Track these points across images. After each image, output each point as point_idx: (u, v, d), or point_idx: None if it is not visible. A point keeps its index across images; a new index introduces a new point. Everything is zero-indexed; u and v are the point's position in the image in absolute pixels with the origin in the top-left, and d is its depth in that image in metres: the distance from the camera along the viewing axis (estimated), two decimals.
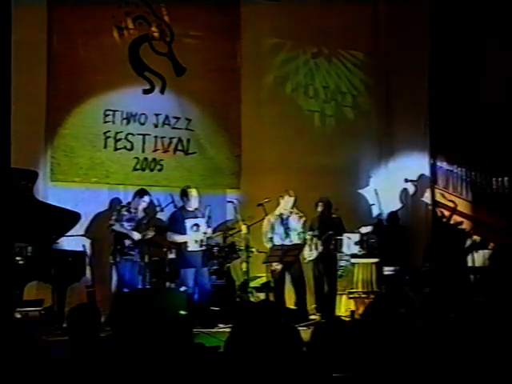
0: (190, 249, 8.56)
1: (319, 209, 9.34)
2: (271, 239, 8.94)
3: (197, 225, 8.65)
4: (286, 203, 9.02)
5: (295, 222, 9.07)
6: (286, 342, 2.95)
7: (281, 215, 9.04)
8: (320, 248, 9.13)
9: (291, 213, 9.07)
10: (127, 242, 8.47)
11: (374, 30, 11.23)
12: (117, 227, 8.47)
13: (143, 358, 3.64)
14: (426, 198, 10.76)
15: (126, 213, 8.57)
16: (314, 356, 3.25)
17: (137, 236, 8.48)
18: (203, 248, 8.66)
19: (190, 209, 8.73)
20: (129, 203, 8.73)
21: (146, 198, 8.69)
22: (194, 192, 8.78)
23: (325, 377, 3.12)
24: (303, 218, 9.10)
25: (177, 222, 8.64)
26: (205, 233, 8.68)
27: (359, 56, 11.40)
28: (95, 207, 9.09)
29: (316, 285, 9.33)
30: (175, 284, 8.64)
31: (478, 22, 10.44)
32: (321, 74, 11.09)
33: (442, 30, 10.79)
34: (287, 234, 8.99)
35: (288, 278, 8.98)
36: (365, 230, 9.73)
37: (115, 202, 9.04)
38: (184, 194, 8.78)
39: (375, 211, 10.79)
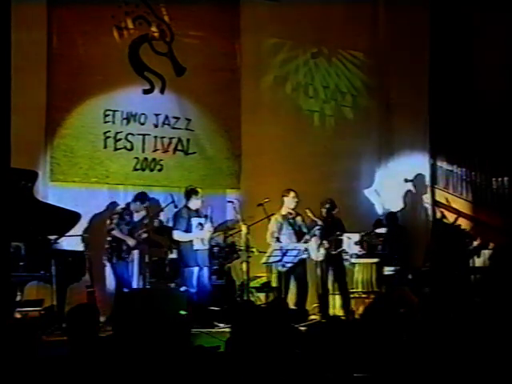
0: (195, 247, 8.53)
1: (325, 209, 9.24)
2: (278, 239, 8.87)
3: (201, 224, 8.63)
4: (289, 203, 8.97)
5: (302, 223, 9.01)
6: (288, 343, 2.95)
7: (288, 215, 9.00)
8: (325, 249, 9.07)
9: (297, 213, 9.01)
10: (124, 247, 8.48)
11: (374, 30, 11.23)
12: (116, 232, 8.47)
13: (143, 359, 3.64)
14: (426, 198, 10.77)
15: (126, 216, 8.59)
16: (312, 355, 3.25)
17: (132, 242, 8.51)
18: (207, 247, 8.64)
19: (194, 208, 8.70)
20: (128, 205, 8.70)
21: (147, 204, 8.71)
22: (200, 192, 8.77)
23: (323, 377, 3.12)
24: (315, 219, 8.97)
25: (183, 221, 8.60)
26: (210, 231, 8.66)
27: (359, 56, 11.40)
28: (95, 207, 9.10)
29: (323, 285, 9.23)
30: (175, 284, 8.65)
31: (478, 23, 10.45)
32: (321, 73, 11.09)
33: (442, 30, 10.80)
34: (297, 235, 8.94)
35: (292, 278, 8.91)
36: (380, 230, 9.78)
37: (113, 206, 9.03)
38: (193, 193, 8.72)
39: (377, 211, 10.81)
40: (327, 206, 9.22)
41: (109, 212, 8.91)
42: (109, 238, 8.49)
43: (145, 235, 8.62)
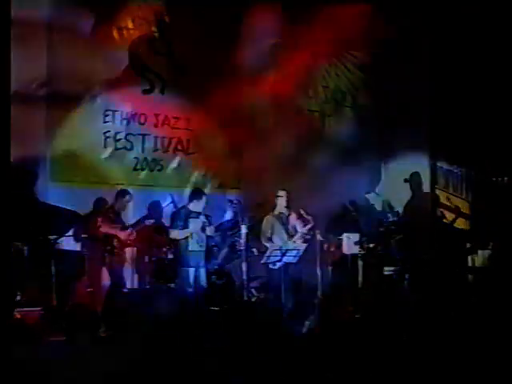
0: (190, 248, 8.52)
1: (339, 210, 9.25)
2: (270, 239, 8.87)
3: (199, 224, 8.60)
4: (281, 202, 8.97)
5: (296, 222, 8.99)
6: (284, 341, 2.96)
7: (280, 214, 8.99)
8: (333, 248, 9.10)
9: (290, 212, 9.00)
10: (115, 243, 8.48)
11: (374, 30, 11.22)
12: (104, 229, 8.46)
13: (142, 358, 3.65)
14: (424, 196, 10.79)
15: (111, 214, 8.59)
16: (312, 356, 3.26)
17: (123, 236, 8.52)
18: (204, 248, 8.62)
19: (194, 209, 8.66)
20: (113, 205, 8.72)
21: (128, 197, 8.73)
22: (204, 194, 8.75)
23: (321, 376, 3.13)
24: (308, 217, 8.96)
25: (180, 220, 8.59)
26: (209, 230, 8.64)
27: (359, 56, 11.40)
28: None
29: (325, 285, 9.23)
30: (175, 284, 8.64)
31: (478, 22, 10.47)
32: (321, 74, 11.09)
33: (443, 30, 10.81)
34: (289, 235, 8.93)
35: (288, 277, 8.90)
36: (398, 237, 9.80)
37: (100, 203, 9.01)
38: (196, 195, 8.72)
39: (377, 211, 10.80)
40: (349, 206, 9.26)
41: (96, 211, 8.88)
42: (101, 238, 8.48)
43: (133, 230, 8.66)
